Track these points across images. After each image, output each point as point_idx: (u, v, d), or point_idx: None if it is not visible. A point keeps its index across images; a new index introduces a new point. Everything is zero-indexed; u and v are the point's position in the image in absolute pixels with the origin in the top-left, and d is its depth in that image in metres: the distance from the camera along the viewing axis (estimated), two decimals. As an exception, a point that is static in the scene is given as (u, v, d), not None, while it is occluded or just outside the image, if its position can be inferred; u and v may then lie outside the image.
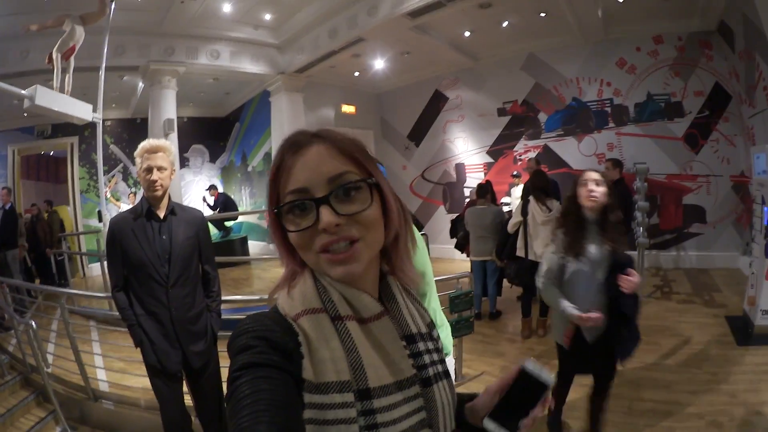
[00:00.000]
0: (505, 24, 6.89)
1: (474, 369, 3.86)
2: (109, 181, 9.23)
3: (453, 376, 1.94)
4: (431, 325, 0.78)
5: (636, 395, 3.09)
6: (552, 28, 6.95)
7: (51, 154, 10.99)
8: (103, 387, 3.65)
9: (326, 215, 0.60)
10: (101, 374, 3.78)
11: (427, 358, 0.70)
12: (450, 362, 1.93)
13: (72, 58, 4.94)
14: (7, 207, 6.36)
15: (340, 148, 0.65)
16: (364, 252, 0.64)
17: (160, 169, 2.17)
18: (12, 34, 5.92)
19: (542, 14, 6.55)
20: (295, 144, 0.65)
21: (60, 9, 5.08)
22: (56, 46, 4.78)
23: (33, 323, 3.41)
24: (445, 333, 1.91)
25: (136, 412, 3.36)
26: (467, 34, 7.26)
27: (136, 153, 2.22)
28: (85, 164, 9.40)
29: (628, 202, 4.98)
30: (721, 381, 3.18)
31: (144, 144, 2.20)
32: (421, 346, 0.70)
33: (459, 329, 3.45)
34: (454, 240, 5.75)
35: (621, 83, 6.98)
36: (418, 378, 0.67)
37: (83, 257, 9.18)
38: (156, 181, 2.16)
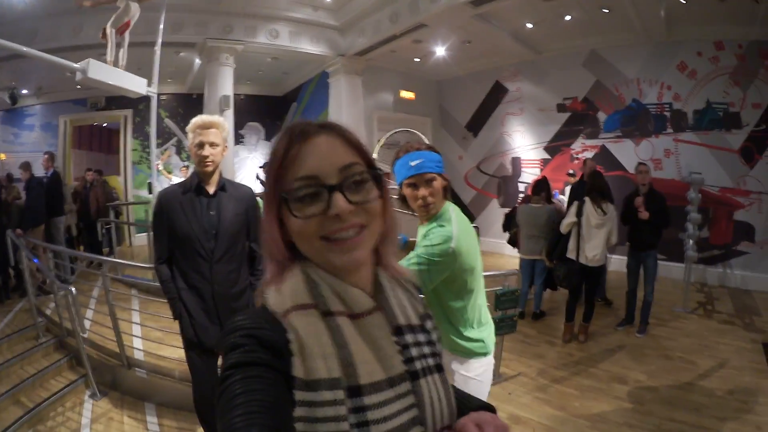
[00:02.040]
0: (567, 18, 6.73)
1: (511, 369, 3.80)
2: (162, 154, 9.46)
3: (491, 376, 1.90)
4: (425, 317, 0.77)
5: (667, 415, 3.04)
6: (614, 25, 6.77)
7: (104, 125, 11.30)
8: (138, 355, 3.71)
9: (341, 202, 0.62)
10: (137, 343, 3.85)
11: (414, 351, 0.68)
12: (491, 362, 1.86)
13: (127, 33, 5.03)
14: (49, 173, 6.37)
15: (348, 140, 0.68)
16: (367, 239, 0.66)
17: (212, 144, 2.16)
18: (65, 9, 6.04)
19: (605, 10, 6.36)
20: (303, 132, 0.66)
21: None
22: (110, 22, 4.85)
23: (72, 289, 3.49)
24: (488, 332, 1.85)
25: (168, 382, 3.41)
26: (529, 25, 7.10)
27: (188, 128, 2.22)
28: (138, 136, 9.63)
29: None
30: (749, 410, 3.09)
31: (197, 119, 2.20)
32: (409, 338, 0.69)
33: (501, 327, 3.33)
34: (506, 234, 5.71)
35: (681, 88, 6.69)
36: (406, 372, 0.65)
37: (131, 227, 9.41)
38: (207, 156, 2.15)
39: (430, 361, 0.70)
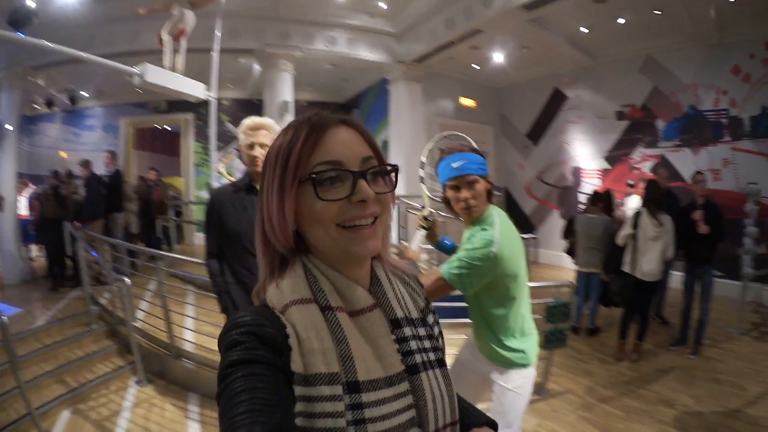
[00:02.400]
0: (621, 21, 6.56)
1: (560, 385, 3.69)
2: (224, 157, 9.83)
3: (531, 389, 1.83)
4: (426, 311, 0.77)
5: None
6: (667, 27, 6.55)
7: (167, 128, 11.77)
8: (188, 347, 3.84)
9: (367, 187, 0.63)
10: (189, 335, 3.98)
11: (414, 345, 0.68)
12: (531, 374, 1.80)
13: (183, 40, 5.25)
14: (112, 171, 6.68)
15: (365, 136, 0.69)
16: (381, 230, 0.67)
17: (262, 145, 2.21)
18: (120, 16, 6.34)
19: (657, 12, 6.17)
20: (324, 122, 0.66)
21: None
22: (166, 29, 5.07)
23: (126, 279, 3.66)
24: (531, 342, 1.79)
25: (214, 374, 3.51)
26: (584, 30, 6.96)
27: (239, 129, 2.31)
28: (199, 139, 9.97)
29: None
30: None
31: (246, 121, 2.26)
32: (408, 331, 0.68)
33: (551, 341, 3.27)
34: (564, 244, 5.56)
35: (737, 93, 6.32)
36: (404, 365, 0.65)
37: (191, 226, 9.80)
38: (257, 157, 2.20)
39: (431, 356, 0.69)
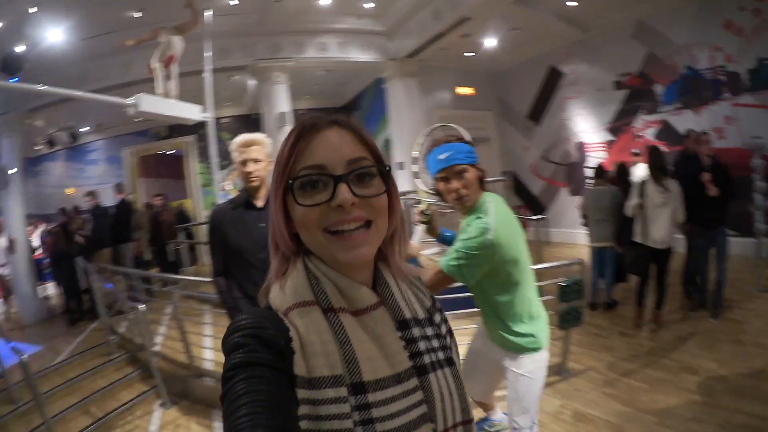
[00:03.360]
0: (608, -12, 6.45)
1: (581, 364, 3.66)
2: (230, 174, 9.87)
3: (545, 373, 1.80)
4: (433, 311, 0.77)
5: (736, 406, 2.81)
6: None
7: (172, 152, 11.91)
8: (208, 366, 3.88)
9: (344, 192, 0.61)
10: (208, 354, 4.03)
11: (422, 345, 0.67)
12: (544, 357, 1.79)
13: (173, 66, 5.33)
14: (118, 201, 6.79)
15: (359, 136, 0.67)
16: (374, 236, 0.65)
17: (255, 161, 2.25)
18: (110, 51, 6.41)
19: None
20: (315, 125, 0.66)
21: (154, 23, 5.43)
22: (155, 57, 5.15)
23: (140, 306, 3.73)
24: (540, 326, 1.77)
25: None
26: (572, 3, 6.89)
27: (231, 148, 2.35)
28: (204, 160, 10.03)
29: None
30: None
31: (238, 139, 2.29)
32: (416, 332, 0.68)
33: (567, 320, 3.23)
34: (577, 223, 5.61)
35: (731, 47, 6.23)
36: (414, 366, 0.65)
37: (203, 247, 9.86)
38: (251, 172, 2.24)
39: (440, 355, 0.69)
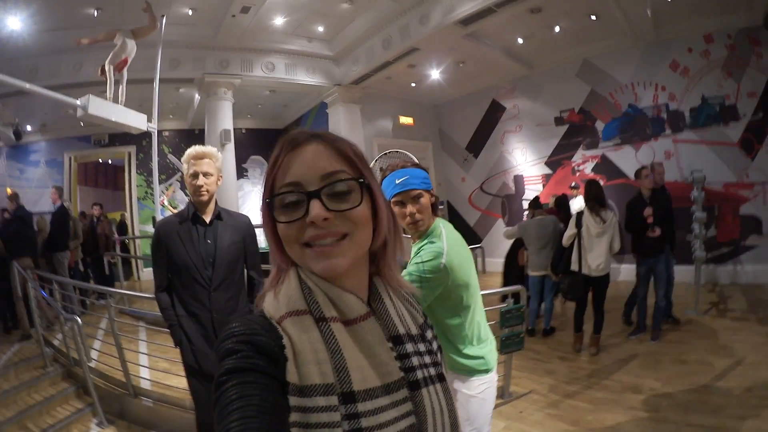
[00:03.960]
0: (557, 29, 6.82)
1: (522, 387, 3.73)
2: (167, 189, 9.58)
3: (494, 393, 1.86)
4: (425, 327, 0.77)
5: (684, 420, 2.95)
6: (604, 31, 6.86)
7: (109, 162, 11.51)
8: (145, 385, 3.72)
9: (315, 208, 0.61)
10: (144, 372, 3.87)
11: (415, 360, 0.68)
12: (493, 379, 1.83)
13: (125, 70, 5.14)
14: (56, 206, 6.37)
15: (337, 149, 0.67)
16: (349, 248, 0.64)
17: (206, 174, 2.20)
18: (64, 47, 6.20)
19: (593, 17, 6.44)
20: (294, 141, 0.66)
21: (110, 24, 5.34)
22: (108, 59, 4.97)
23: (78, 319, 3.54)
24: (488, 348, 1.81)
25: (174, 411, 3.40)
26: (520, 40, 7.20)
27: (182, 159, 2.27)
28: (142, 172, 9.78)
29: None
30: None
31: (190, 150, 2.24)
32: (410, 347, 0.68)
33: (508, 345, 3.33)
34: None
35: (675, 87, 6.73)
36: (406, 381, 0.65)
37: (137, 261, 9.53)
38: (201, 186, 2.19)
39: (432, 371, 0.70)
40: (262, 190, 0.69)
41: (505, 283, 5.43)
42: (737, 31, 6.13)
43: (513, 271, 5.46)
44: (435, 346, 0.77)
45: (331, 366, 0.58)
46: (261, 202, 0.68)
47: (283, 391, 0.55)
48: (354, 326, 0.64)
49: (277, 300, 0.65)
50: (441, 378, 0.71)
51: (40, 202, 7.23)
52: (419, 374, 0.67)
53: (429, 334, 0.77)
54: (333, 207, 0.63)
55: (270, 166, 0.67)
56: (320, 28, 7.37)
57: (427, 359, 0.70)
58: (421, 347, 0.71)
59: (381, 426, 0.58)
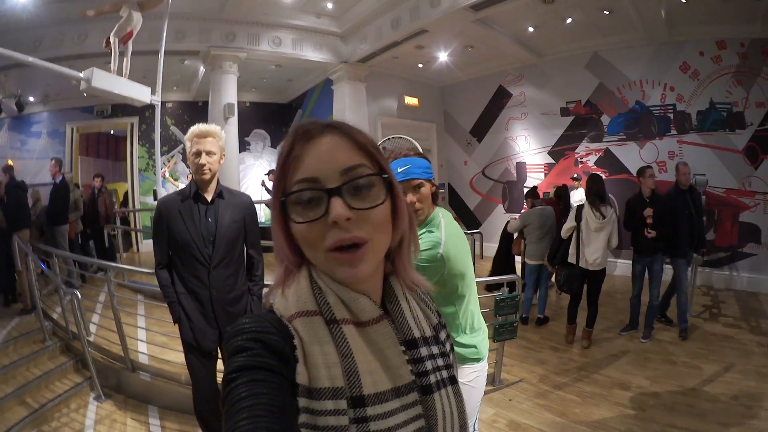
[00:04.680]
0: (568, 20, 6.74)
1: (513, 375, 3.79)
2: (168, 161, 9.54)
3: (484, 382, 1.89)
4: (438, 328, 0.75)
5: (669, 421, 3.00)
6: (616, 27, 6.76)
7: (111, 132, 11.42)
8: (143, 359, 3.76)
9: (338, 207, 0.57)
10: (142, 347, 3.90)
11: (429, 364, 0.66)
12: (484, 367, 1.85)
13: (130, 43, 5.09)
14: (58, 180, 6.23)
15: (355, 141, 0.63)
16: (370, 253, 0.60)
17: (208, 153, 2.20)
18: (68, 18, 6.13)
19: (606, 12, 6.36)
20: (307, 132, 0.62)
21: None
22: (113, 31, 4.91)
23: (77, 293, 3.55)
24: (481, 337, 1.84)
25: (172, 385, 3.44)
26: (531, 29, 7.12)
27: (185, 137, 2.27)
28: (144, 144, 9.71)
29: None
30: (754, 416, 3.02)
31: (194, 128, 2.24)
32: (424, 351, 0.67)
33: (502, 333, 3.37)
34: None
35: (684, 89, 6.65)
36: (417, 385, 0.64)
37: (137, 233, 9.53)
38: (204, 165, 2.19)
39: (444, 374, 0.68)
40: (273, 185, 0.64)
41: (494, 272, 5.45)
42: (750, 41, 6.07)
43: (504, 259, 5.50)
44: (448, 347, 0.76)
45: (342, 369, 0.57)
46: (272, 198, 0.64)
47: (293, 392, 0.55)
48: (366, 328, 0.62)
49: (285, 298, 0.63)
50: (453, 380, 0.70)
51: (41, 173, 7.17)
52: (432, 378, 0.66)
53: (443, 335, 0.76)
54: (356, 205, 0.58)
55: (282, 159, 0.62)
56: (329, 5, 7.29)
57: (441, 362, 0.69)
58: (435, 350, 0.69)
59: (390, 429, 0.58)
